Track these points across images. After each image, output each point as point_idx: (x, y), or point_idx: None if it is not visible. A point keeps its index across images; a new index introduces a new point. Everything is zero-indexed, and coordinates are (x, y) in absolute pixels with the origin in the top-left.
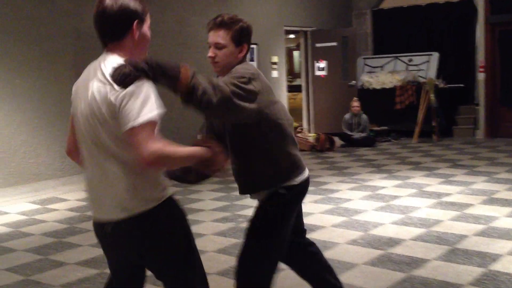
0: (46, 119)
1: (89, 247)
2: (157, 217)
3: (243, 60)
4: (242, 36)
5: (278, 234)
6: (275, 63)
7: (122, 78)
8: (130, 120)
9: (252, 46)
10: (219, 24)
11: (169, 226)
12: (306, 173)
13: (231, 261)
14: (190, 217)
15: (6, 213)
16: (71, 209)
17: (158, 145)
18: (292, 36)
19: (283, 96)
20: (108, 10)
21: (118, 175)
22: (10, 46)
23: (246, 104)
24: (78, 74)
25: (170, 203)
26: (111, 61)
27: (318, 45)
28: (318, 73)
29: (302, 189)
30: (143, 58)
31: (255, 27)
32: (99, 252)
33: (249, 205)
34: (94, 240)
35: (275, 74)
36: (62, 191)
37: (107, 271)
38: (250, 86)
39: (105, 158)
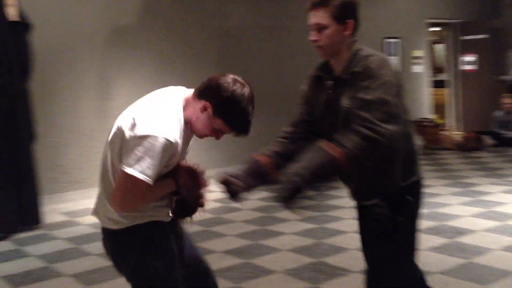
0: None
1: (235, 237)
2: (122, 238)
3: (351, 40)
4: (344, 12)
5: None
6: (417, 58)
7: (286, 201)
8: (125, 163)
9: (394, 40)
10: (317, 2)
11: (138, 247)
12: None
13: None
14: (329, 213)
15: None
16: (217, 200)
17: (130, 204)
18: (436, 28)
19: (426, 92)
20: None
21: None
22: (161, 45)
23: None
24: (221, 71)
25: (138, 230)
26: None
27: (465, 37)
28: (465, 67)
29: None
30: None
31: (397, 20)
32: (244, 242)
33: None
34: (240, 230)
35: (417, 69)
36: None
37: (253, 261)
38: (391, 99)
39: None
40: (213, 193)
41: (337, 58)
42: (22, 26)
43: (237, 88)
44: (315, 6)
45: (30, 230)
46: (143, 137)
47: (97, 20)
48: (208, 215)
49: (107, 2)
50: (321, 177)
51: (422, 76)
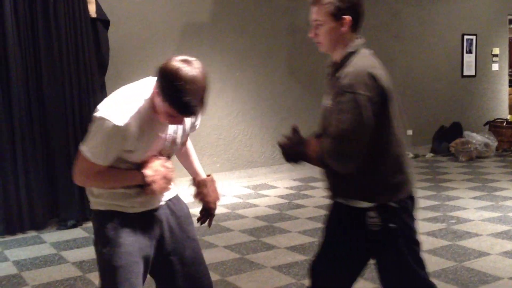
0: (260, 110)
1: (298, 234)
2: (94, 219)
3: (351, 36)
4: (340, 8)
5: None
6: (496, 55)
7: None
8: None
9: (470, 37)
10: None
11: (96, 232)
12: None
13: (442, 263)
14: None
15: (223, 195)
16: (280, 196)
17: (80, 179)
18: None
19: (503, 90)
20: None
21: None
22: (233, 42)
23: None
24: (290, 70)
25: (98, 216)
26: None
27: None
28: None
29: None
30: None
31: (474, 16)
32: (307, 239)
33: (461, 207)
34: (303, 227)
35: (495, 67)
36: (272, 178)
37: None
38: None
39: None
40: (277, 189)
41: (335, 54)
42: (101, 23)
43: (181, 67)
44: (313, 2)
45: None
46: (95, 119)
47: (171, 17)
48: (272, 211)
49: (180, 0)
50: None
51: (501, 74)
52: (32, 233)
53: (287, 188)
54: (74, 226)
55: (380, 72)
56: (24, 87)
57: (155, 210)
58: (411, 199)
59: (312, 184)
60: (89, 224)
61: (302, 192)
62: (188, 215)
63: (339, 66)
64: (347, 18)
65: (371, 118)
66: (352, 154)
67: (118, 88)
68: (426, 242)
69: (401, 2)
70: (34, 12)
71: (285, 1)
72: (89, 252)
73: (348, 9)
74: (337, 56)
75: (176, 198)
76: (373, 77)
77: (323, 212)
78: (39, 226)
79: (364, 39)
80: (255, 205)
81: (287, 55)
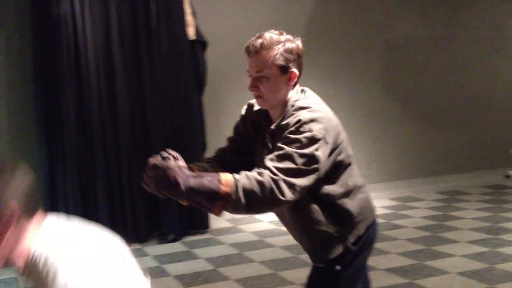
0: (355, 128)
1: (398, 255)
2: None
3: (290, 90)
4: (288, 60)
5: None
6: None
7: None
8: None
9: None
10: (256, 48)
11: None
12: None
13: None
14: (503, 237)
15: None
16: (377, 215)
17: None
18: None
19: None
20: None
21: None
22: (327, 59)
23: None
24: (386, 86)
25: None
26: None
27: None
28: None
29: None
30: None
31: None
32: (408, 261)
33: None
34: (403, 248)
35: None
36: None
37: (418, 281)
38: (311, 151)
39: None
40: (379, 209)
41: (275, 109)
42: (199, 44)
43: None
44: (254, 52)
45: (198, 234)
46: None
47: None
48: None
49: (274, 18)
50: (197, 200)
51: None
52: (136, 246)
53: (384, 207)
54: (174, 240)
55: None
56: (128, 107)
57: None
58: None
59: (411, 204)
60: (189, 239)
61: (401, 212)
62: None
63: (282, 117)
64: (294, 72)
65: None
66: (306, 175)
67: (214, 106)
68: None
69: (505, 14)
70: (138, 35)
71: (381, 17)
72: (189, 266)
73: (295, 62)
74: (276, 112)
75: None
76: (327, 120)
77: (424, 233)
78: (142, 239)
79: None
80: None
81: (382, 72)
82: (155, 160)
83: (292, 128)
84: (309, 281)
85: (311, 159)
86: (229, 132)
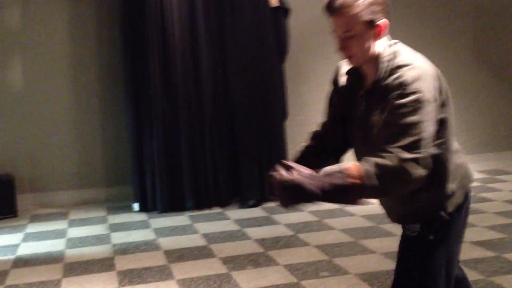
0: None
1: (486, 229)
2: None
3: (384, 42)
4: (375, 13)
5: None
6: None
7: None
8: None
9: None
10: (337, 8)
11: None
12: None
13: None
14: None
15: None
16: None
17: None
18: None
19: None
20: None
21: None
22: (411, 26)
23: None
24: (476, 54)
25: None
26: None
27: None
28: None
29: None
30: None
31: None
32: (497, 235)
33: None
34: (491, 222)
35: None
36: None
37: (506, 255)
38: (424, 116)
39: None
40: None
41: (368, 65)
42: (282, 11)
43: None
44: (335, 11)
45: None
46: None
47: None
48: None
49: None
50: (335, 199)
51: None
52: (217, 210)
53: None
54: (255, 205)
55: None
56: (212, 74)
57: None
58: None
59: (500, 177)
60: (269, 205)
61: (489, 185)
62: None
63: (379, 74)
64: (383, 23)
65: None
66: (427, 142)
67: (295, 75)
68: None
69: None
70: (221, 2)
71: None
72: (269, 231)
73: (382, 12)
74: (369, 67)
75: None
76: (432, 77)
77: None
78: (223, 203)
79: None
80: None
81: (473, 39)
82: (281, 176)
83: (398, 92)
84: (401, 251)
85: (426, 124)
86: (310, 101)
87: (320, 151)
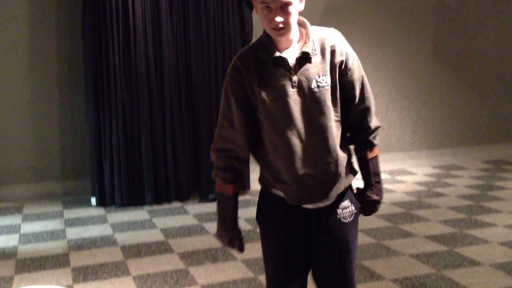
0: (400, 93)
1: (438, 223)
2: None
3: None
4: None
5: None
6: None
7: None
8: None
9: None
10: None
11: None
12: None
13: None
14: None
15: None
16: (419, 183)
17: None
18: None
19: None
20: None
21: None
22: (375, 21)
23: None
24: (436, 50)
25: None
26: None
27: None
28: None
29: None
30: None
31: None
32: (449, 229)
33: None
34: (444, 216)
35: None
36: (410, 164)
37: (457, 250)
38: None
39: None
40: (416, 176)
41: (293, 36)
42: (246, 4)
43: None
44: None
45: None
46: None
47: None
48: (410, 198)
49: None
50: None
51: None
52: (176, 204)
53: (426, 175)
54: (215, 199)
55: None
56: (174, 65)
57: None
58: None
59: (455, 172)
60: None
61: (443, 180)
62: None
63: (307, 40)
64: None
65: None
66: None
67: None
68: None
69: None
70: None
71: None
72: None
73: None
74: (291, 40)
75: None
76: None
77: (467, 202)
78: (184, 198)
79: None
80: (392, 191)
81: (432, 35)
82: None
83: (340, 52)
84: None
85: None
86: None
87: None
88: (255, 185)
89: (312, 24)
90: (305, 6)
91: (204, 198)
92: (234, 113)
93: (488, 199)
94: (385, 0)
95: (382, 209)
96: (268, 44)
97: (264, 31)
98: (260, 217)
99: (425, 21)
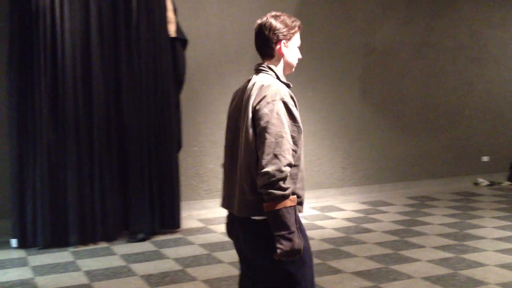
0: (331, 131)
1: (365, 259)
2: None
3: None
4: None
5: None
6: None
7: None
8: None
9: None
10: None
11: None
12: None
13: None
14: (469, 243)
15: None
16: (348, 219)
17: None
18: None
19: None
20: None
21: None
22: (307, 62)
23: None
24: (364, 90)
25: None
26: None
27: None
28: None
29: None
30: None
31: None
32: (374, 265)
33: None
34: (370, 252)
35: None
36: (340, 200)
37: (382, 285)
38: None
39: None
40: (345, 212)
41: None
42: (179, 42)
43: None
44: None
45: (169, 233)
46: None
47: (246, 37)
48: (339, 234)
49: (256, 20)
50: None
51: None
52: (103, 245)
53: (354, 211)
54: (143, 239)
55: None
56: (104, 101)
57: None
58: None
59: (382, 208)
60: (158, 238)
61: (371, 216)
62: None
63: None
64: None
65: None
66: None
67: (192, 105)
68: (501, 275)
69: (482, 24)
70: (117, 30)
71: (362, 22)
72: (157, 266)
73: None
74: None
75: None
76: None
77: (392, 237)
78: (111, 237)
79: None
80: (321, 227)
81: (361, 76)
82: None
83: None
84: (255, 236)
85: None
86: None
87: None
88: (186, 223)
89: (244, 63)
90: (238, 47)
91: (132, 238)
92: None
93: (412, 234)
94: (317, 41)
95: (312, 245)
96: (282, 81)
97: (277, 75)
98: (301, 226)
99: (354, 63)
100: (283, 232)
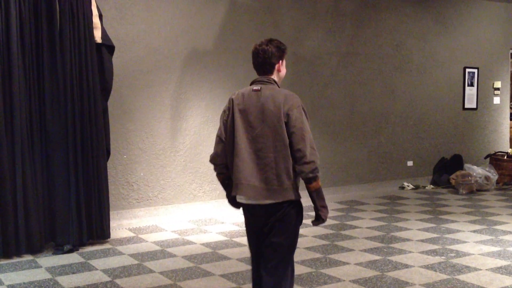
0: None
1: (296, 264)
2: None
3: None
4: None
5: None
6: (497, 89)
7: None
8: None
9: (472, 70)
10: None
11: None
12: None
13: None
14: (395, 246)
15: (222, 223)
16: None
17: None
18: None
19: (504, 124)
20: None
21: None
22: (236, 69)
23: None
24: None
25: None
26: None
27: None
28: None
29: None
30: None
31: (476, 49)
32: (305, 269)
33: (460, 240)
34: (301, 257)
35: (496, 100)
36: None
37: None
38: None
39: None
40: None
41: None
42: (106, 48)
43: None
44: None
45: (97, 244)
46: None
47: (175, 44)
48: None
49: (185, 27)
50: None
51: (502, 107)
52: (28, 257)
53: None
54: (71, 251)
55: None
56: (27, 108)
57: None
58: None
59: (311, 213)
60: (86, 249)
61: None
62: None
63: None
64: None
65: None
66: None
67: (120, 112)
68: (425, 276)
69: (405, 34)
70: (39, 35)
71: (291, 31)
72: (84, 278)
73: None
74: None
75: None
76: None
77: (322, 242)
78: (36, 250)
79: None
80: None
81: (290, 84)
82: None
83: None
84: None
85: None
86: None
87: None
88: (116, 233)
89: (174, 70)
90: (168, 54)
91: (59, 250)
92: None
93: (342, 238)
94: (245, 49)
95: (244, 252)
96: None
97: (276, 83)
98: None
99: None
100: (324, 203)
